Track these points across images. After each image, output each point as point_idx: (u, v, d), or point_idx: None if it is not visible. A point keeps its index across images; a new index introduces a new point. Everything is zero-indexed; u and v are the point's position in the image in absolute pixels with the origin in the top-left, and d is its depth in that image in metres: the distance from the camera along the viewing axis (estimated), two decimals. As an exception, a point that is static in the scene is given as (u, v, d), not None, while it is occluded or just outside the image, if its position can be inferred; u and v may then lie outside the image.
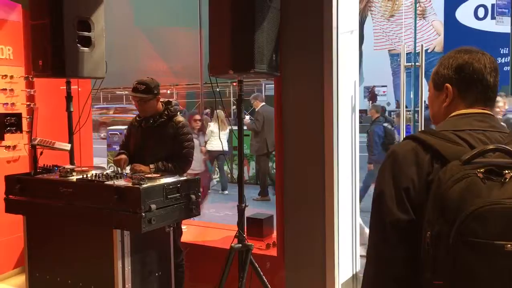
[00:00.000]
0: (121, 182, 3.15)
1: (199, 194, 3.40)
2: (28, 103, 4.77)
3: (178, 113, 3.85)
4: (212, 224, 5.13)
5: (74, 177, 3.37)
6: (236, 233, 3.34)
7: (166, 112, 3.77)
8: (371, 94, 24.77)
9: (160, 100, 3.82)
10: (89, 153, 5.49)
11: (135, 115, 3.97)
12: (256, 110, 9.04)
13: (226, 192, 9.52)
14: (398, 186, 1.32)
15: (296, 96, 3.57)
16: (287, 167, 3.70)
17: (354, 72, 3.94)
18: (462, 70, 1.42)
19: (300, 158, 3.63)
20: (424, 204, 1.27)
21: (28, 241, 3.55)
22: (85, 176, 3.35)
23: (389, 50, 14.56)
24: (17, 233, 4.12)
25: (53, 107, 4.56)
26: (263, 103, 9.08)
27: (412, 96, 4.48)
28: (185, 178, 3.35)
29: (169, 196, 3.14)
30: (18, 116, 4.51)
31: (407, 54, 3.93)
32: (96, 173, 3.41)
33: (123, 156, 3.73)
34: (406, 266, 1.30)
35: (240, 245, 3.31)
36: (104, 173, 3.43)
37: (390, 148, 1.42)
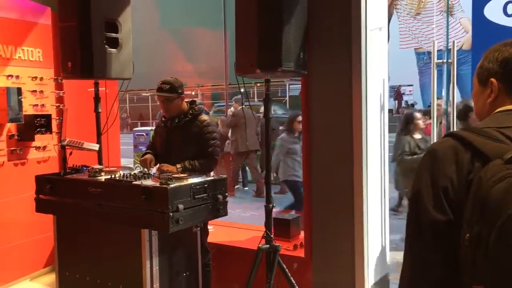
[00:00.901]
0: (148, 182, 3.16)
1: (226, 194, 3.39)
2: (57, 104, 4.84)
3: (203, 112, 3.86)
4: (239, 224, 5.10)
5: (102, 177, 3.40)
6: (264, 234, 3.31)
7: (190, 112, 3.78)
8: (397, 93, 24.40)
9: (185, 100, 3.83)
10: (117, 153, 5.55)
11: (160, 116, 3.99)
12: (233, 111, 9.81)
13: (246, 188, 10.06)
14: (436, 186, 1.26)
15: (324, 95, 3.52)
16: (314, 166, 3.65)
17: (383, 70, 3.86)
18: (508, 64, 1.35)
19: (327, 157, 3.58)
20: (463, 205, 1.21)
21: (58, 240, 3.60)
22: (113, 176, 3.38)
23: (415, 49, 14.33)
24: (48, 232, 4.18)
25: (82, 108, 4.63)
26: (241, 107, 9.54)
27: (443, 93, 4.37)
28: (212, 178, 3.35)
29: (196, 196, 3.13)
30: (48, 117, 4.58)
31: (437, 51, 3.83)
32: (124, 173, 3.43)
33: (149, 156, 3.76)
34: (443, 267, 1.25)
35: (268, 246, 3.29)
36: (132, 173, 3.45)
37: (429, 146, 1.37)
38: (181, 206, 3.00)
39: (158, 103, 3.83)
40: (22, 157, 4.55)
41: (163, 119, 3.91)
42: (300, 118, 6.83)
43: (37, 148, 4.61)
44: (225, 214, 3.42)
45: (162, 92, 3.66)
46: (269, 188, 3.32)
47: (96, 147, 3.74)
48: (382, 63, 3.83)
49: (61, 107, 4.86)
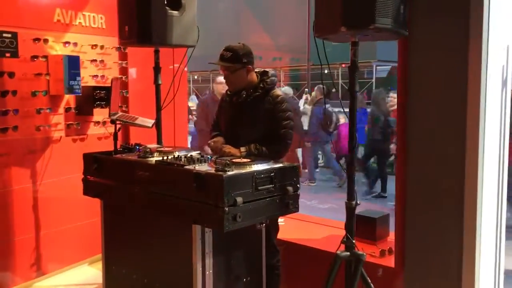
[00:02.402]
0: (203, 167, 2.59)
1: (298, 185, 2.74)
2: (120, 76, 4.44)
3: (276, 86, 3.22)
4: (314, 218, 4.41)
5: (153, 159, 2.89)
6: (344, 237, 2.63)
7: (261, 85, 3.16)
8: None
9: (256, 70, 3.20)
10: (184, 132, 5.09)
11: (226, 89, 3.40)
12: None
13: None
14: None
15: (430, 65, 2.73)
16: (411, 158, 2.89)
17: (507, 35, 2.97)
18: None
19: (430, 143, 2.80)
20: None
21: (105, 229, 3.17)
22: (165, 158, 2.84)
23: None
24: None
25: (148, 81, 4.15)
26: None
27: None
28: (280, 165, 2.71)
29: (259, 188, 2.52)
30: (108, 89, 4.16)
31: None
32: (178, 155, 2.89)
33: (220, 139, 3.20)
34: None
35: (348, 253, 2.60)
36: (189, 154, 2.89)
37: None
38: (239, 200, 2.40)
39: (221, 72, 3.24)
40: (81, 133, 4.20)
41: (228, 93, 3.32)
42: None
43: (96, 123, 4.23)
44: (296, 210, 2.77)
45: (223, 61, 3.07)
46: (352, 181, 2.61)
47: (149, 123, 3.24)
48: (506, 26, 2.94)
49: (123, 78, 4.45)
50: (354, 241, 2.62)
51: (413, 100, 2.85)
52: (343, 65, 18.92)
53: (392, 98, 7.82)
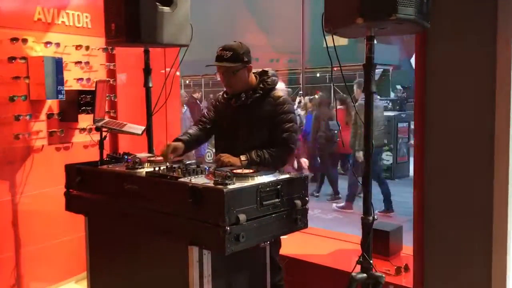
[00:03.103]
0: (200, 180, 2.28)
1: (307, 198, 2.44)
2: (107, 79, 4.12)
3: (277, 86, 2.93)
4: (317, 229, 4.10)
5: (143, 170, 2.57)
6: (359, 257, 2.33)
7: (261, 85, 2.86)
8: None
9: (253, 71, 2.91)
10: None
11: (223, 91, 3.10)
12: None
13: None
14: None
15: (452, 60, 2.45)
16: (430, 158, 2.61)
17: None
18: None
19: (452, 145, 2.52)
20: None
21: (90, 249, 2.84)
22: (157, 169, 2.53)
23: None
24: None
25: (138, 85, 3.83)
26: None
27: None
28: (287, 176, 2.40)
29: (265, 202, 2.21)
30: (94, 94, 3.84)
31: None
32: (172, 166, 2.57)
33: (175, 144, 2.88)
34: None
35: (365, 275, 2.30)
36: (183, 165, 2.58)
37: None
38: (242, 217, 2.09)
39: (218, 76, 2.93)
40: (65, 141, 3.87)
41: (225, 95, 3.02)
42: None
43: (82, 130, 3.90)
44: (304, 226, 2.46)
45: (222, 61, 2.76)
46: (368, 194, 2.32)
47: (138, 130, 2.92)
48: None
49: (111, 82, 4.13)
50: (372, 261, 2.32)
51: (433, 99, 2.56)
52: (335, 69, 18.58)
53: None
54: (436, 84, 2.52)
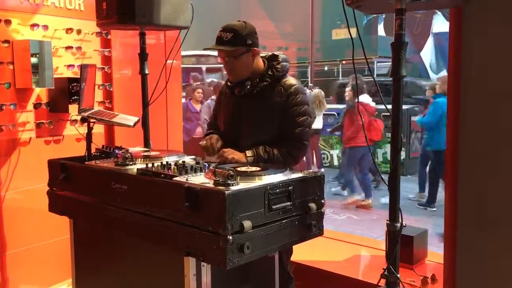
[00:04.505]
0: (198, 179, 1.94)
1: (323, 201, 2.10)
2: (102, 66, 3.79)
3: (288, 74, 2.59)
4: (332, 233, 3.73)
5: (134, 167, 2.24)
6: (384, 270, 1.99)
7: (270, 72, 2.51)
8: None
9: (261, 54, 2.56)
10: (178, 132, 4.44)
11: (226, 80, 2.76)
12: None
13: None
14: None
15: (493, 44, 2.08)
16: (465, 158, 2.25)
17: None
18: None
19: (492, 141, 2.17)
20: None
21: (76, 255, 2.52)
22: (149, 166, 2.19)
23: None
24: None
25: (137, 73, 3.49)
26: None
27: None
28: (300, 175, 2.06)
29: (274, 206, 1.87)
30: (79, 80, 3.50)
31: None
32: (167, 162, 2.24)
33: (214, 136, 2.56)
34: None
35: (392, 292, 1.97)
36: (180, 162, 2.24)
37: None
38: (247, 224, 1.76)
39: (220, 61, 2.59)
40: (55, 133, 3.54)
41: (228, 83, 2.67)
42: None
43: (73, 121, 3.57)
44: (320, 233, 2.13)
45: (223, 44, 2.41)
46: (395, 196, 1.97)
47: (130, 121, 2.58)
48: None
49: (106, 69, 3.79)
50: (399, 275, 1.98)
51: (470, 91, 2.20)
52: (344, 62, 18.24)
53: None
54: (475, 67, 2.15)
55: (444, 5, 2.04)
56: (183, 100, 9.55)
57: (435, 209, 6.47)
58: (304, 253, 3.06)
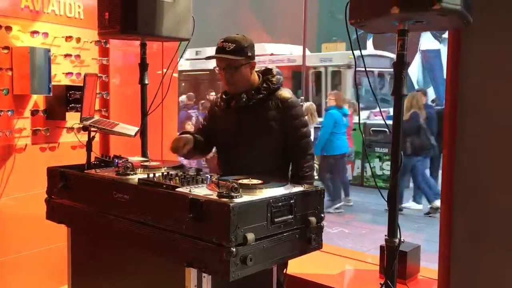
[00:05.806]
0: (200, 190, 1.96)
1: (322, 215, 2.14)
2: (100, 74, 3.79)
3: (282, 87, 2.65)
4: (325, 246, 3.74)
5: (135, 177, 2.25)
6: (382, 284, 2.02)
7: (265, 85, 2.56)
8: None
9: (256, 69, 2.61)
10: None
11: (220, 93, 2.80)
12: None
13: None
14: None
15: (493, 60, 2.15)
16: (461, 166, 2.31)
17: None
18: None
19: (492, 156, 2.23)
20: None
21: (73, 265, 2.51)
22: (151, 176, 2.21)
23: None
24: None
25: (134, 82, 3.51)
26: None
27: None
28: (301, 189, 2.10)
29: (276, 220, 1.90)
30: (83, 88, 3.51)
31: None
32: (168, 173, 2.26)
33: (184, 136, 2.64)
34: None
35: (389, 308, 2.00)
36: (181, 173, 2.26)
37: None
38: (251, 236, 1.78)
39: (217, 72, 2.62)
40: (50, 140, 3.53)
41: (223, 96, 2.70)
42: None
43: (70, 129, 3.57)
44: (319, 246, 2.16)
45: (224, 53, 2.46)
46: (393, 212, 2.01)
47: (132, 131, 2.60)
48: None
49: (103, 78, 3.80)
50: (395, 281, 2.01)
51: (467, 108, 2.26)
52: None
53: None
54: (474, 80, 2.21)
55: (445, 27, 2.10)
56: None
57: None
58: (297, 266, 3.09)
